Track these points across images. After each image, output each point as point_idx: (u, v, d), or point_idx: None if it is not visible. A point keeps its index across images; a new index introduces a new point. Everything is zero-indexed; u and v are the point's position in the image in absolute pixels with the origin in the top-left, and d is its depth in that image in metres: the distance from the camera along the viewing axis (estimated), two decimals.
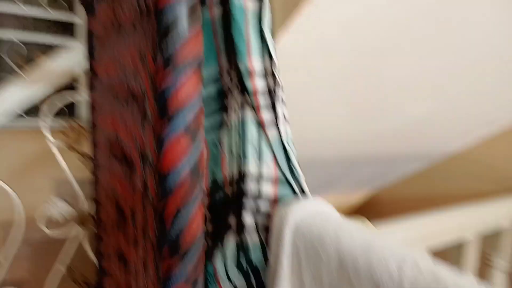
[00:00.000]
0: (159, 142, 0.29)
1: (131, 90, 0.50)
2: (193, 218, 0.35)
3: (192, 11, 0.29)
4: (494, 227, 1.01)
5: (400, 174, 1.56)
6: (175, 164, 0.29)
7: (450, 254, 0.95)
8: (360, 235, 0.41)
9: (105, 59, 0.68)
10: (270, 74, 0.51)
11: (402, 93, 0.79)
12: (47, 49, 1.83)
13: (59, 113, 1.83)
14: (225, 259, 0.53)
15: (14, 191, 0.91)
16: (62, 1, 1.81)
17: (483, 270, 1.06)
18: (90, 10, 0.76)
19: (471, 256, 0.93)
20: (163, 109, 0.29)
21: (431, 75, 0.74)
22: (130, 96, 0.50)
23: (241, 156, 0.52)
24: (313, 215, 0.45)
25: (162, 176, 0.30)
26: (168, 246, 0.34)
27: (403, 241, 0.74)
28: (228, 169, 0.55)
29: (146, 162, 0.45)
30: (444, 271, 0.34)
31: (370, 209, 1.81)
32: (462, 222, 0.89)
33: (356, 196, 1.62)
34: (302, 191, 0.51)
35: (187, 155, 0.30)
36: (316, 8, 0.46)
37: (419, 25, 0.56)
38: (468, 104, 0.96)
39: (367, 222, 0.67)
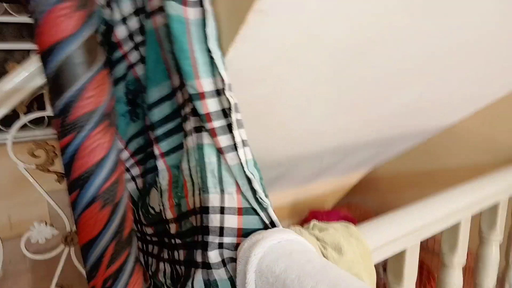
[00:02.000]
0: (74, 213, 0.26)
1: None
2: None
3: (87, 47, 0.23)
4: (492, 203, 0.98)
5: (397, 152, 1.51)
6: (94, 236, 0.26)
7: (446, 235, 0.92)
8: (325, 280, 0.36)
9: None
10: (222, 94, 0.44)
11: (388, 82, 0.73)
12: (18, 55, 1.75)
13: (39, 122, 1.76)
14: None
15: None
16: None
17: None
18: None
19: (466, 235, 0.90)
20: (68, 175, 0.24)
21: (417, 61, 0.67)
22: None
23: (201, 186, 0.47)
24: (277, 254, 0.41)
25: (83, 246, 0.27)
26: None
27: (394, 238, 0.71)
28: (190, 196, 0.51)
29: None
30: None
31: (368, 186, 1.77)
32: (457, 208, 0.86)
33: (352, 178, 1.59)
34: (270, 219, 0.47)
35: (107, 225, 0.26)
36: (266, 16, 0.39)
37: (402, 14, 0.50)
38: (459, 83, 0.89)
39: (351, 227, 0.63)
